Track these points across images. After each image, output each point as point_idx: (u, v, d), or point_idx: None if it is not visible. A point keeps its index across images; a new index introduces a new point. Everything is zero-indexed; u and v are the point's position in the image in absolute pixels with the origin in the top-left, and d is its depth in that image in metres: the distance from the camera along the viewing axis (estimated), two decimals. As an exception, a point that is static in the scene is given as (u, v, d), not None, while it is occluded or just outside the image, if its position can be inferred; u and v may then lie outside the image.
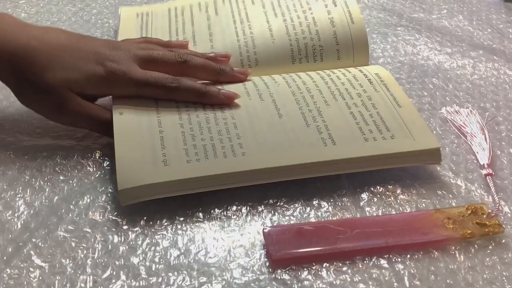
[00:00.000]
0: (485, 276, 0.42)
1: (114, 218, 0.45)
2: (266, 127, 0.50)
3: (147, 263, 0.42)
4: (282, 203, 0.47)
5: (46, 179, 0.48)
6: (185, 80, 0.52)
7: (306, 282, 0.41)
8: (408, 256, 0.43)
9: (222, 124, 0.50)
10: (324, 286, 0.41)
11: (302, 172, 0.47)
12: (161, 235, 0.44)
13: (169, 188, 0.45)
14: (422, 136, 0.50)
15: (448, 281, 0.41)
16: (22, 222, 0.44)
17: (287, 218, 0.46)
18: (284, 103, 0.53)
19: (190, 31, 0.62)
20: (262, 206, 0.46)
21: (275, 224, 0.45)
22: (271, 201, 0.47)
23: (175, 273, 0.41)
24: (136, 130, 0.49)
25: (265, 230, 0.43)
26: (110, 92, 0.52)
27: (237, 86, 0.55)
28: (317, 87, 0.55)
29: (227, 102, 0.52)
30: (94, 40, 0.53)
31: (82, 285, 0.40)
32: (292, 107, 0.52)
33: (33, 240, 0.43)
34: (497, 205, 0.47)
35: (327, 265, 0.42)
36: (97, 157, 0.50)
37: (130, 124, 0.49)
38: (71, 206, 0.46)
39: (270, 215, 0.46)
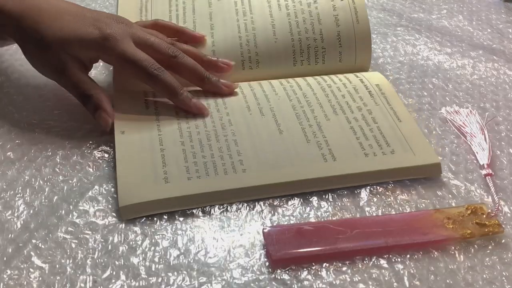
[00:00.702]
0: (485, 276, 0.42)
1: (114, 218, 0.45)
2: (267, 143, 0.50)
3: (147, 263, 0.42)
4: (282, 203, 0.47)
5: (45, 179, 0.48)
6: (167, 75, 0.53)
7: (306, 282, 0.41)
8: (408, 256, 0.43)
9: (223, 141, 0.50)
10: (324, 286, 0.41)
11: (302, 187, 0.47)
12: (161, 235, 0.44)
13: (169, 204, 0.45)
14: (422, 151, 0.50)
15: (448, 281, 0.41)
16: (22, 222, 0.44)
17: (287, 218, 0.46)
18: (285, 118, 0.53)
19: (191, 20, 0.61)
20: (262, 206, 0.46)
21: (275, 224, 0.45)
22: (271, 201, 0.47)
23: (175, 273, 0.41)
24: (137, 148, 0.49)
25: (265, 230, 0.43)
26: (99, 57, 0.53)
27: (238, 99, 0.55)
28: (317, 100, 0.55)
29: (194, 112, 0.53)
30: (101, 12, 0.55)
31: (82, 285, 0.40)
32: (292, 122, 0.52)
33: (33, 240, 0.43)
34: (497, 205, 0.47)
35: (327, 265, 0.42)
36: (97, 157, 0.50)
37: (131, 143, 0.50)
38: (71, 206, 0.46)
39: (270, 215, 0.46)
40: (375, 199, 0.48)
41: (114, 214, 0.45)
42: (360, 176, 0.48)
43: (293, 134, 0.51)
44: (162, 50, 0.54)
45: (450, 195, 0.49)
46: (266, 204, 0.47)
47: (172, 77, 0.53)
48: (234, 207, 0.46)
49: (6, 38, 0.55)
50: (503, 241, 0.45)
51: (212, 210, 0.46)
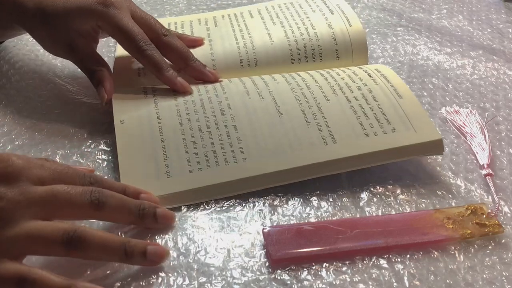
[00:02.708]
0: (484, 276, 0.42)
1: (114, 218, 0.45)
2: (267, 128, 0.50)
3: (147, 263, 0.42)
4: (282, 203, 0.47)
5: (46, 179, 0.48)
6: (156, 51, 0.54)
7: (306, 282, 0.41)
8: (408, 256, 0.43)
9: (223, 127, 0.50)
10: (324, 286, 0.41)
11: (304, 174, 0.47)
12: (160, 235, 0.44)
13: (172, 199, 0.45)
14: (424, 128, 0.50)
15: (448, 281, 0.41)
16: (22, 222, 0.44)
17: (287, 218, 0.46)
18: (284, 101, 0.53)
19: None
20: (262, 206, 0.46)
21: (275, 224, 0.45)
22: (271, 201, 0.47)
23: (175, 273, 0.41)
24: (138, 139, 0.49)
25: (265, 230, 0.43)
26: (98, 26, 0.53)
27: (236, 84, 0.55)
28: (316, 83, 0.55)
29: (179, 88, 0.54)
30: None
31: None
32: (292, 104, 0.52)
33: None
34: (497, 205, 0.47)
35: (327, 265, 0.42)
36: (97, 157, 0.50)
37: (132, 133, 0.50)
38: (71, 206, 0.46)
39: (270, 215, 0.46)
40: (375, 199, 0.48)
41: (114, 214, 0.45)
42: (362, 158, 0.48)
43: (293, 117, 0.51)
44: (155, 28, 0.55)
45: (450, 195, 0.49)
46: (266, 204, 0.47)
47: (160, 54, 0.54)
48: (234, 207, 0.46)
49: (14, 26, 0.55)
50: (503, 241, 0.45)
51: (212, 210, 0.46)
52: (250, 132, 0.50)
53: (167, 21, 0.66)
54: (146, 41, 0.53)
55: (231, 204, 0.46)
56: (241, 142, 0.49)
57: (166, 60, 0.55)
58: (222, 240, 0.44)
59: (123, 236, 0.43)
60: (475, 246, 0.44)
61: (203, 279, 0.41)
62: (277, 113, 0.51)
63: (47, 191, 0.40)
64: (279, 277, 0.41)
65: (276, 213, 0.46)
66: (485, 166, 0.51)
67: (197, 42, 0.61)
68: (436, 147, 0.49)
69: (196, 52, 0.59)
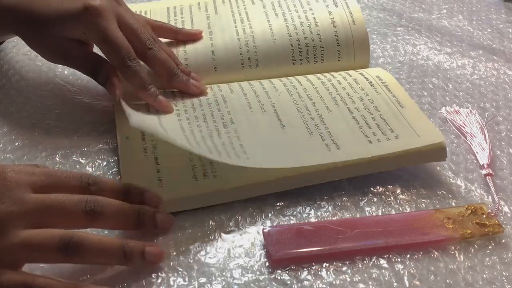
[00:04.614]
0: (485, 276, 0.42)
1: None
2: (269, 140, 0.50)
3: (147, 263, 0.42)
4: (282, 203, 0.47)
5: (46, 179, 0.48)
6: (140, 68, 0.51)
7: (306, 282, 0.41)
8: (408, 256, 0.43)
9: (226, 138, 0.50)
10: (324, 286, 0.41)
11: (308, 180, 0.47)
12: (161, 235, 0.44)
13: (175, 205, 0.45)
14: (427, 132, 0.50)
15: (448, 281, 0.41)
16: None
17: (287, 218, 0.46)
18: (286, 113, 0.53)
19: None
20: (262, 206, 0.46)
21: (275, 224, 0.45)
22: (271, 201, 0.47)
23: (175, 273, 0.41)
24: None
25: (265, 230, 0.43)
26: (83, 29, 0.51)
27: (238, 97, 0.55)
28: (318, 93, 0.55)
29: (158, 108, 0.52)
30: None
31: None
32: (294, 116, 0.52)
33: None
34: (497, 205, 0.47)
35: (327, 265, 0.42)
36: (97, 157, 0.50)
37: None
38: (71, 206, 0.45)
39: (270, 215, 0.46)
40: (375, 199, 0.48)
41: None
42: (365, 163, 0.48)
43: (295, 129, 0.51)
44: (141, 39, 0.53)
45: (450, 195, 0.49)
46: (267, 204, 0.47)
47: (143, 71, 0.52)
48: (234, 206, 0.46)
49: (6, 33, 0.55)
50: (503, 241, 0.45)
51: (212, 210, 0.46)
52: (253, 144, 0.49)
53: (166, 5, 0.65)
54: (130, 56, 0.51)
55: (231, 203, 0.46)
56: (245, 154, 0.49)
57: (148, 77, 0.52)
58: (222, 240, 0.44)
59: (120, 238, 0.43)
60: (475, 246, 0.44)
61: (203, 279, 0.41)
62: (279, 125, 0.51)
63: (41, 200, 0.39)
64: (279, 277, 0.41)
65: (276, 213, 0.46)
66: (485, 166, 0.51)
67: (196, 36, 0.60)
68: (439, 151, 0.49)
69: (196, 47, 0.59)
